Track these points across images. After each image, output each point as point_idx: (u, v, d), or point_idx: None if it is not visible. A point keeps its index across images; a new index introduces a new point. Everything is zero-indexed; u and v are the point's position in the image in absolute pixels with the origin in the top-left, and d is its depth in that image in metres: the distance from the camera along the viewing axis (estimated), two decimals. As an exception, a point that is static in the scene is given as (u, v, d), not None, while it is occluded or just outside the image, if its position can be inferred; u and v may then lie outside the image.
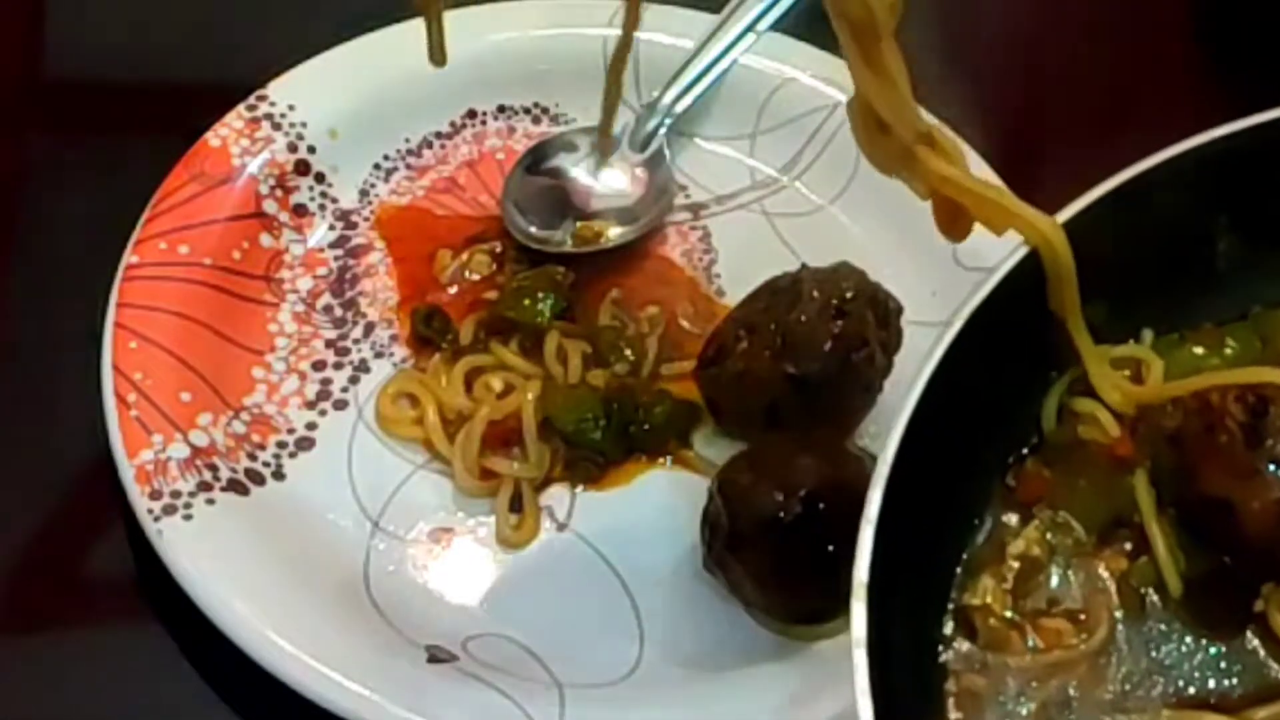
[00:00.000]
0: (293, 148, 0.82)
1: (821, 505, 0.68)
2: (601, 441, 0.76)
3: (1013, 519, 0.65)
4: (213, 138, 0.81)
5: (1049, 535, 0.65)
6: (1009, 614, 0.63)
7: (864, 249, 0.80)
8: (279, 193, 0.81)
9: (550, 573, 0.74)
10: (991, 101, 0.91)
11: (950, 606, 0.63)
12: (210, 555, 0.70)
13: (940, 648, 0.62)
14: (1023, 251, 0.63)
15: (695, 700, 0.69)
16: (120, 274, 0.77)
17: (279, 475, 0.74)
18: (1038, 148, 0.89)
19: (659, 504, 0.75)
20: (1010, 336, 0.63)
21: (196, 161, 0.80)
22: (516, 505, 0.75)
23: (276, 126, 0.82)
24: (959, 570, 0.64)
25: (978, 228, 0.66)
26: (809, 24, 0.84)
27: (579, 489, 0.76)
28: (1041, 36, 0.94)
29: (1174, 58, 0.94)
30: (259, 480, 0.74)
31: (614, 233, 0.81)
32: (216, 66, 0.88)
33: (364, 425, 0.77)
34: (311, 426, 0.76)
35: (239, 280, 0.79)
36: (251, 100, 0.83)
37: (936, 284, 0.80)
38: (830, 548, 0.68)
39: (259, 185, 0.81)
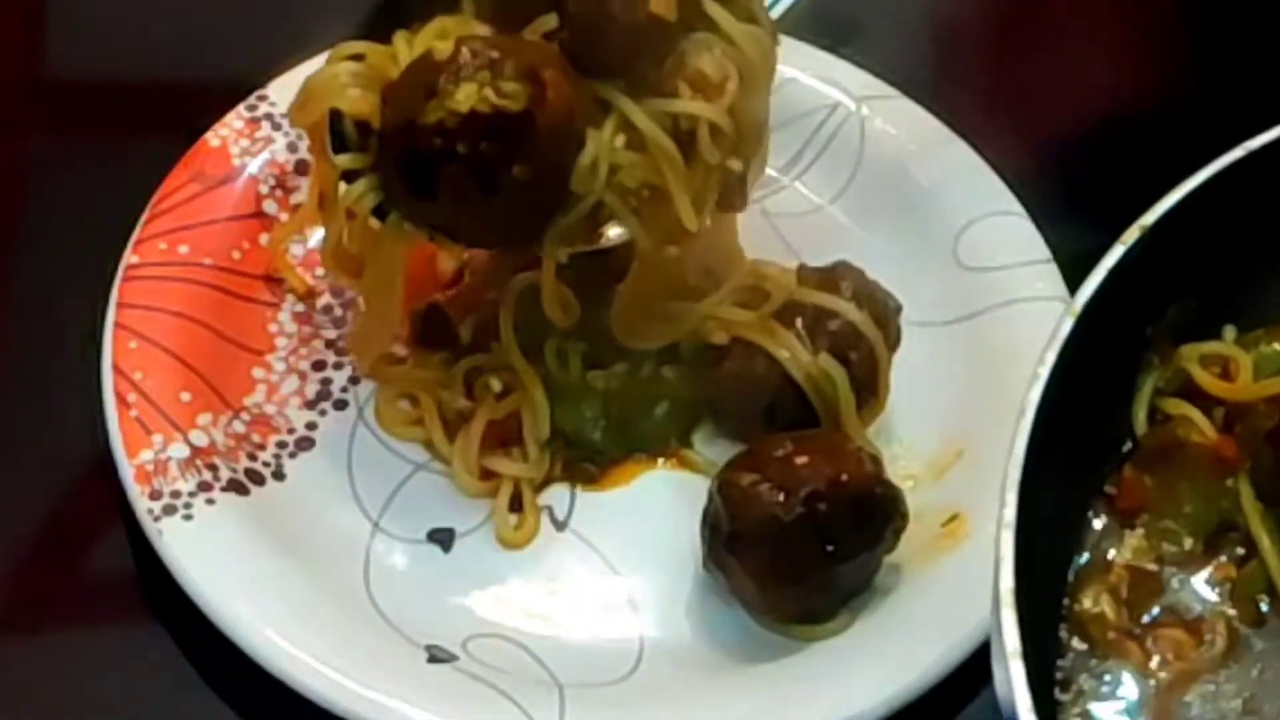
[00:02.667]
0: (293, 148, 0.82)
1: (821, 505, 0.68)
2: (601, 441, 0.76)
3: (1116, 529, 0.64)
4: (213, 138, 0.81)
5: (1156, 544, 0.64)
6: (1126, 625, 0.62)
7: (864, 249, 0.80)
8: (279, 193, 0.81)
9: (550, 573, 0.74)
10: (1006, 113, 0.91)
11: (1064, 618, 0.62)
12: (210, 555, 0.70)
13: (1059, 660, 0.61)
14: (1119, 250, 0.62)
15: (695, 700, 0.69)
16: (120, 274, 0.77)
17: (279, 475, 0.74)
18: (1056, 158, 0.90)
19: (659, 504, 0.75)
20: (1102, 337, 0.62)
21: (196, 161, 0.81)
22: (516, 505, 0.75)
23: (276, 126, 0.82)
24: (1070, 582, 0.63)
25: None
26: (809, 24, 0.84)
27: (579, 489, 0.76)
28: (1047, 39, 0.95)
29: (1178, 56, 0.95)
30: (259, 480, 0.74)
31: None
32: (216, 66, 0.88)
33: (364, 425, 0.77)
34: (311, 426, 0.76)
35: (239, 280, 0.79)
36: (251, 100, 0.83)
37: (936, 284, 0.81)
38: (830, 548, 0.69)
39: (259, 185, 0.81)
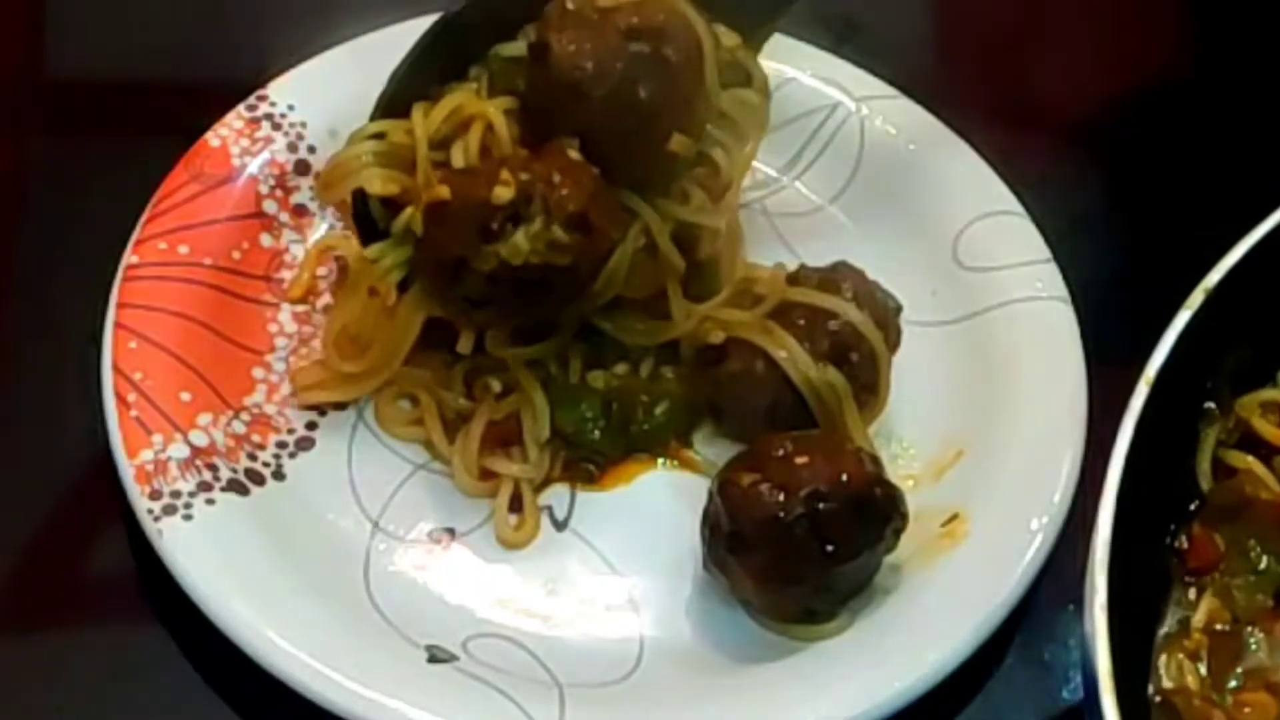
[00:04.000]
0: (293, 148, 0.82)
1: (821, 505, 0.68)
2: (601, 441, 0.76)
3: (1190, 590, 0.65)
4: (213, 138, 0.81)
5: (1230, 603, 0.65)
6: (1209, 694, 0.63)
7: (864, 249, 0.80)
8: (279, 193, 0.81)
9: (550, 573, 0.73)
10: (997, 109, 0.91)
11: (1150, 690, 0.63)
12: (210, 555, 0.70)
13: None
14: (1185, 315, 0.64)
15: (695, 700, 0.69)
16: (120, 274, 0.77)
17: (279, 475, 0.74)
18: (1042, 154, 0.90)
19: (659, 504, 0.75)
20: (1169, 400, 0.63)
21: (196, 161, 0.80)
22: (516, 505, 0.75)
23: (276, 126, 0.82)
24: (1152, 648, 0.64)
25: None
26: (809, 24, 0.85)
27: (579, 489, 0.76)
28: (1036, 40, 0.95)
29: (1179, 55, 0.95)
30: (259, 480, 0.74)
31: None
32: (216, 66, 0.88)
33: (364, 425, 0.77)
34: (311, 426, 0.76)
35: (239, 280, 0.79)
36: (251, 100, 0.82)
37: (936, 284, 0.81)
38: (830, 548, 0.68)
39: (259, 185, 0.81)
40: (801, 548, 0.68)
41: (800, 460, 0.69)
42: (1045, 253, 0.80)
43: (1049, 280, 0.79)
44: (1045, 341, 0.78)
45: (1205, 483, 0.68)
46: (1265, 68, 0.91)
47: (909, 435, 0.77)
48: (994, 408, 0.76)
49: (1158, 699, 0.62)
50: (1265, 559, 0.66)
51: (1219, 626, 0.64)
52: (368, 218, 0.75)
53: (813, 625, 0.71)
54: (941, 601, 0.70)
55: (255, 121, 0.82)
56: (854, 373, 0.74)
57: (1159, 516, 0.66)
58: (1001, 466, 0.74)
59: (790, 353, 0.73)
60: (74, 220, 0.82)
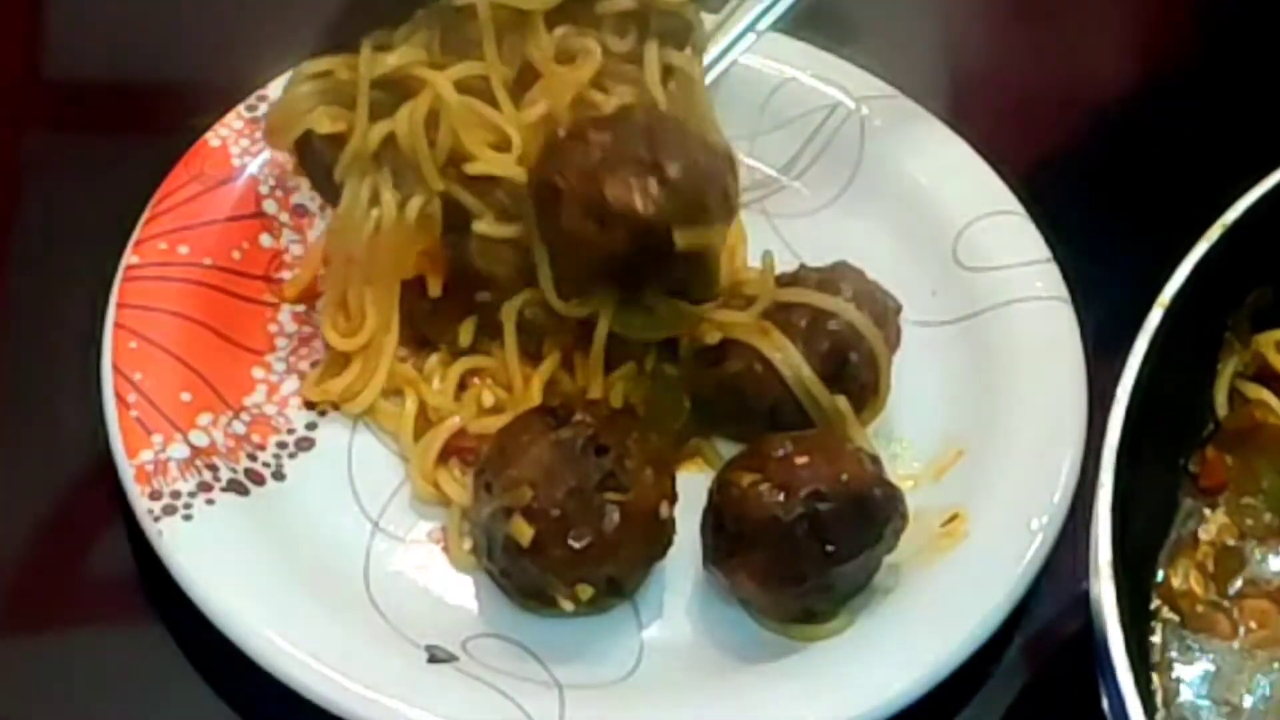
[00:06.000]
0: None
1: (821, 505, 0.68)
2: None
3: (1201, 507, 0.68)
4: (213, 138, 0.81)
5: (1238, 520, 0.68)
6: (1213, 599, 0.66)
7: (864, 249, 0.80)
8: (279, 193, 0.81)
9: (550, 572, 0.73)
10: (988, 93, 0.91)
11: (1155, 593, 0.66)
12: (210, 555, 0.70)
13: (1151, 634, 0.65)
14: (1203, 246, 0.66)
15: (695, 700, 0.69)
16: (120, 274, 0.77)
17: (279, 475, 0.74)
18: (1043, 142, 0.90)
19: (659, 504, 0.75)
20: (1187, 326, 0.65)
21: (196, 161, 0.80)
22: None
23: (276, 126, 0.82)
24: (1162, 559, 0.67)
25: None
26: (809, 24, 0.85)
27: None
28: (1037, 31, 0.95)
29: (1178, 55, 0.95)
30: (259, 480, 0.74)
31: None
32: (216, 66, 0.88)
33: (364, 425, 0.77)
34: (311, 426, 0.76)
35: (239, 280, 0.79)
36: (251, 100, 0.82)
37: (936, 284, 0.81)
38: (830, 548, 0.68)
39: (259, 185, 0.81)
40: (801, 548, 0.68)
41: (800, 460, 0.69)
42: (1045, 253, 0.80)
43: (1049, 280, 0.79)
44: (1045, 341, 0.78)
45: (1222, 411, 0.70)
46: (1269, 67, 0.91)
47: (909, 435, 0.77)
48: (994, 408, 0.76)
49: (1164, 606, 0.65)
50: (1270, 479, 0.69)
51: (1229, 542, 0.67)
52: (320, 162, 0.75)
53: (813, 625, 0.71)
54: (941, 601, 0.70)
55: (255, 121, 0.82)
56: (854, 372, 0.74)
57: (1173, 438, 0.69)
58: (1001, 466, 0.74)
59: (785, 354, 0.73)
60: (74, 220, 0.82)
